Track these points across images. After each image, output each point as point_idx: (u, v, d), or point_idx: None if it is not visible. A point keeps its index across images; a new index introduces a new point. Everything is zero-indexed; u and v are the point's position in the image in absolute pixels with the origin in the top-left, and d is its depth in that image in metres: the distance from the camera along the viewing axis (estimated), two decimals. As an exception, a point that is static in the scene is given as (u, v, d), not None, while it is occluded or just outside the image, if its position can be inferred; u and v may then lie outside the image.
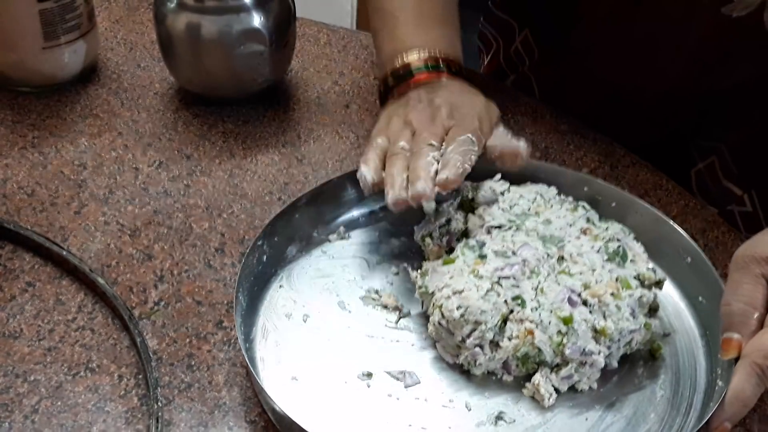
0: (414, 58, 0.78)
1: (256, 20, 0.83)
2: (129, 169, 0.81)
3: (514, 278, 0.64)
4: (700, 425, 0.58)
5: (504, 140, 0.74)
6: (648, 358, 0.66)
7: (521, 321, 0.63)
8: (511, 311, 0.63)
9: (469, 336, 0.63)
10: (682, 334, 0.68)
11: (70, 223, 0.75)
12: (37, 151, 0.83)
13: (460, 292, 0.63)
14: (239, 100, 0.89)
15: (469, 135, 0.71)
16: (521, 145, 0.73)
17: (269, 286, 0.70)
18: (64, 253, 0.71)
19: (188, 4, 0.83)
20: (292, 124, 0.88)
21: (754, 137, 0.85)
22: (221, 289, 0.70)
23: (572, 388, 0.63)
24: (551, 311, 0.63)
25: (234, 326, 0.66)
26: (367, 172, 0.71)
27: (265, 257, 0.69)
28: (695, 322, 0.69)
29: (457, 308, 0.62)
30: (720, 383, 0.62)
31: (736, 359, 0.60)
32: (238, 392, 0.63)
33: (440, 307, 0.64)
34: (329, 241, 0.74)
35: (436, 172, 0.69)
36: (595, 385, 0.64)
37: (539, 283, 0.64)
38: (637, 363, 0.66)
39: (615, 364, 0.64)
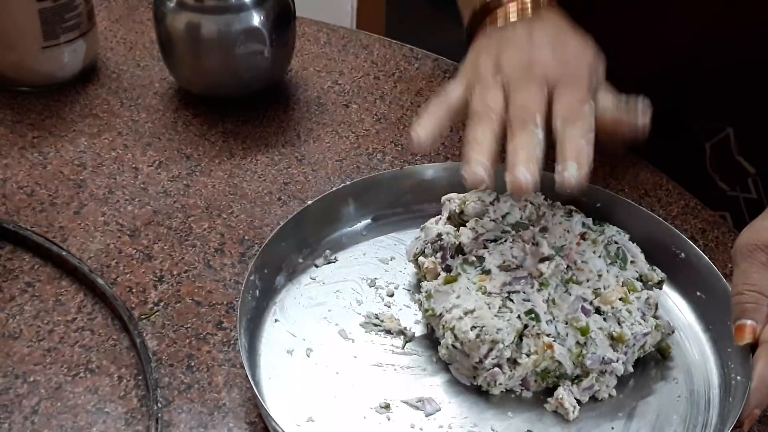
0: None
1: (256, 20, 0.83)
2: (128, 169, 0.81)
3: (524, 292, 0.62)
4: (734, 422, 0.57)
5: (614, 103, 0.61)
6: (658, 359, 0.65)
7: (537, 335, 0.61)
8: (525, 326, 0.61)
9: (486, 356, 0.60)
10: (685, 331, 0.67)
11: (70, 223, 0.75)
12: (37, 151, 0.83)
13: (472, 311, 0.61)
14: (239, 99, 0.89)
15: (588, 106, 0.59)
16: (640, 116, 0.61)
17: (264, 321, 0.66)
18: (64, 253, 0.71)
19: (188, 4, 0.83)
20: (292, 124, 0.88)
21: (760, 119, 0.84)
22: (221, 290, 0.70)
23: (592, 398, 0.62)
24: (566, 323, 0.62)
25: (233, 327, 0.66)
26: (419, 127, 0.61)
27: (257, 292, 0.66)
28: (696, 318, 0.68)
29: (472, 329, 0.60)
30: (737, 378, 0.61)
31: (753, 347, 0.59)
32: (237, 393, 0.63)
33: (452, 329, 0.61)
34: (316, 266, 0.70)
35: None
36: (614, 392, 0.62)
37: (549, 294, 0.63)
38: (648, 365, 0.65)
39: (630, 368, 0.63)
